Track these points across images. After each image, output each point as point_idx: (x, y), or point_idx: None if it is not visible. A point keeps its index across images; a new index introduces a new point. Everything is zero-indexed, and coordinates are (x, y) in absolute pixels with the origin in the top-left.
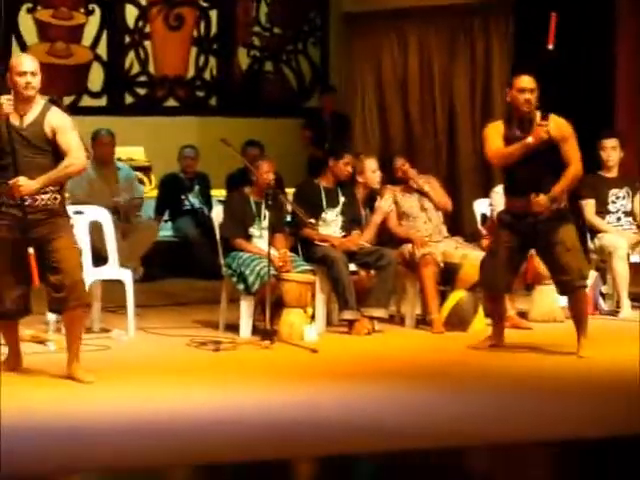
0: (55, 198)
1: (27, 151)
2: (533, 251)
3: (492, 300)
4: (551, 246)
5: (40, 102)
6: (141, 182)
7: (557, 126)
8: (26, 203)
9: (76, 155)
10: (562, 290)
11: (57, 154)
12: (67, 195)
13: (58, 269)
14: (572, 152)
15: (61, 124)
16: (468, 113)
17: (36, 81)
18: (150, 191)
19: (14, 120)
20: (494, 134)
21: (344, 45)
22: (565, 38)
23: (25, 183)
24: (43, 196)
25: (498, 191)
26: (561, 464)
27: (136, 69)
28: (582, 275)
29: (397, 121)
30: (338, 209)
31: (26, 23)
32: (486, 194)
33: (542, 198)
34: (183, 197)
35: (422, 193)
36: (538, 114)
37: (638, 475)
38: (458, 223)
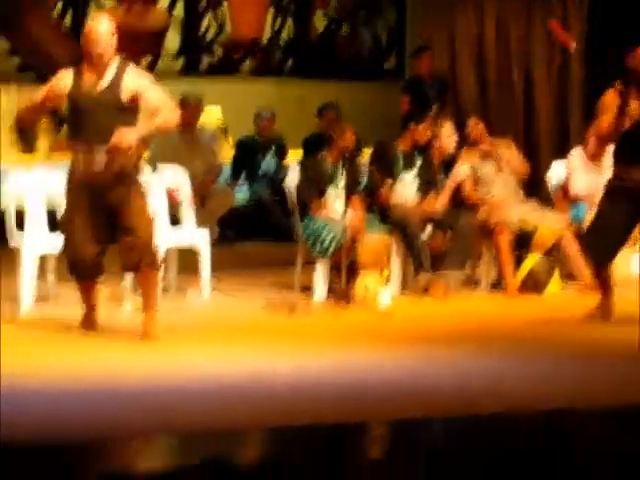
0: (129, 164)
1: (104, 115)
2: None
3: (598, 269)
4: None
5: (115, 64)
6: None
7: None
8: (98, 170)
9: (170, 108)
10: None
11: (128, 123)
12: (147, 156)
13: (131, 232)
14: None
15: (143, 84)
16: (545, 78)
17: (108, 47)
18: (228, 151)
19: (89, 83)
20: (609, 105)
21: (421, 7)
22: None
23: (123, 136)
24: (118, 160)
25: (575, 154)
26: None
27: (213, 32)
28: None
29: (472, 86)
30: (414, 172)
31: None
32: (563, 156)
33: None
34: (259, 160)
35: (498, 158)
36: None
37: None
38: (535, 187)
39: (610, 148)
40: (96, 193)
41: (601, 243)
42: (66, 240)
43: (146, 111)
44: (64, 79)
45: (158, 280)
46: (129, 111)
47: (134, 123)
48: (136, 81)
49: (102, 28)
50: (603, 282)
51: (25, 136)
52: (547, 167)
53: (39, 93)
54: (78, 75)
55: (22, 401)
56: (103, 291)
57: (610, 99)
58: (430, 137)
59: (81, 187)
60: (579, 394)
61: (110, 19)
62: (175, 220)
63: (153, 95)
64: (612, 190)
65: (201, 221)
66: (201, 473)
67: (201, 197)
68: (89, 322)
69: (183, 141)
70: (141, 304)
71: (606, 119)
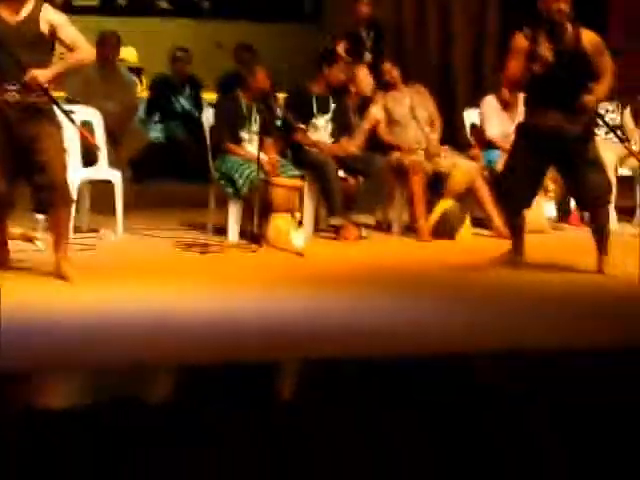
0: (42, 97)
1: (20, 48)
2: None
3: (512, 215)
4: (579, 164)
5: (31, 0)
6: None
7: (589, 40)
8: (13, 100)
9: (85, 47)
10: (585, 205)
11: (46, 55)
12: (62, 94)
13: (43, 169)
14: (606, 64)
15: (59, 20)
16: (461, 25)
17: None
18: (141, 92)
19: (5, 17)
20: (518, 50)
21: None
22: None
23: (39, 72)
24: (32, 94)
25: (489, 101)
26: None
27: None
28: (608, 190)
29: (389, 30)
30: (328, 115)
31: None
32: (477, 103)
33: (590, 98)
34: (174, 99)
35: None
36: (570, 26)
37: None
38: (449, 132)
39: (521, 95)
40: (9, 127)
41: (515, 190)
42: None
43: (61, 48)
44: None
45: (70, 219)
46: (44, 46)
47: (49, 59)
48: (52, 17)
49: None
50: (515, 229)
51: None
52: (462, 113)
53: None
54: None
55: None
56: (14, 229)
57: (519, 44)
58: (344, 80)
59: None
60: (476, 337)
61: None
62: (87, 161)
63: (69, 31)
64: (524, 135)
65: (114, 161)
66: (112, 410)
67: (114, 136)
68: (1, 257)
69: (100, 77)
70: (52, 243)
71: (515, 64)
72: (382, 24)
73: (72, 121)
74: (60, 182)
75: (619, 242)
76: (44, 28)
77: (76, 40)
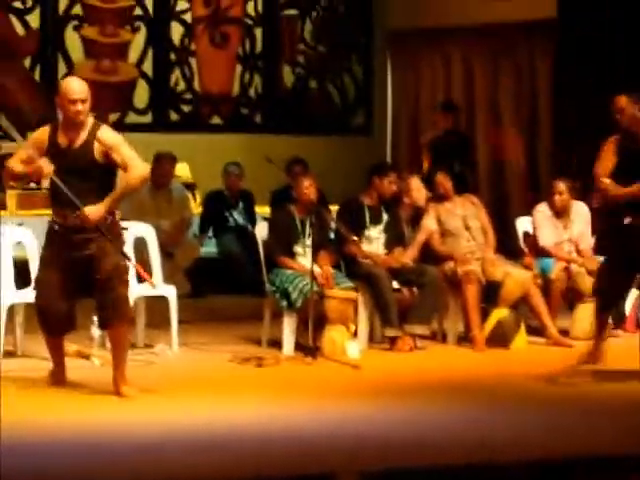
0: (105, 219)
1: (74, 175)
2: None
3: (604, 311)
4: None
5: (89, 123)
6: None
7: None
8: (74, 225)
9: (136, 164)
10: None
11: (103, 180)
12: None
13: (104, 287)
14: None
15: (113, 140)
16: (514, 130)
17: (85, 107)
18: (195, 208)
19: (64, 144)
20: (608, 151)
21: (389, 63)
22: None
23: (91, 211)
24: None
25: (541, 209)
26: None
27: (181, 86)
28: None
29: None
30: (381, 227)
31: (72, 40)
32: (529, 212)
33: None
34: (227, 214)
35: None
36: None
37: None
38: (502, 241)
39: (574, 202)
40: (72, 247)
41: (608, 286)
42: (38, 295)
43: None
44: (43, 135)
45: (129, 335)
46: (103, 169)
47: (110, 180)
48: (107, 138)
49: (80, 89)
50: (601, 328)
51: None
52: (515, 222)
53: (27, 146)
54: (54, 133)
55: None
56: (70, 346)
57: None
58: (397, 191)
59: (57, 243)
60: (543, 446)
61: (83, 82)
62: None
63: (123, 151)
64: (617, 234)
65: (168, 275)
66: None
67: (168, 252)
68: (57, 378)
69: (153, 196)
70: (112, 360)
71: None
72: (465, 133)
73: (127, 258)
74: (121, 298)
75: None
76: (97, 152)
77: (129, 159)
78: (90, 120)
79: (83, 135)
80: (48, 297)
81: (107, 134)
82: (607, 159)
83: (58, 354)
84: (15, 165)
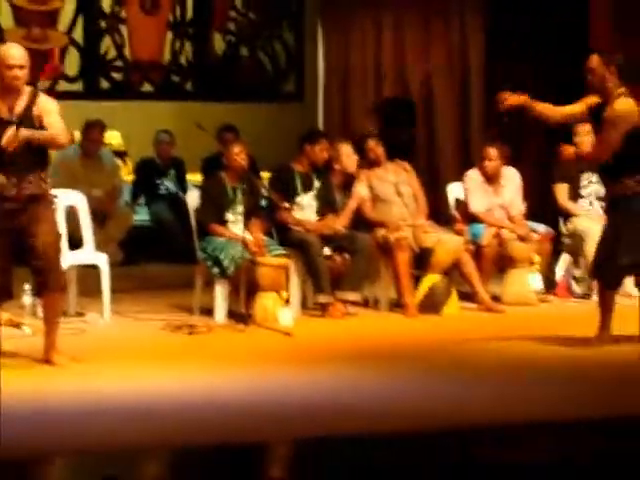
0: (40, 186)
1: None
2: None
3: (606, 288)
4: None
5: (27, 90)
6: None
7: None
8: (11, 194)
9: (64, 135)
10: None
11: (41, 146)
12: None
13: (38, 254)
14: None
15: (48, 107)
16: (445, 99)
17: (24, 73)
18: (126, 175)
19: (3, 113)
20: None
21: (320, 30)
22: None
23: (22, 131)
24: (29, 185)
25: (472, 175)
26: (528, 444)
27: (112, 54)
28: None
29: (365, 106)
30: (313, 193)
31: (2, 8)
32: (460, 178)
33: None
34: (159, 182)
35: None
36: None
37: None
38: (434, 207)
39: (505, 168)
40: (6, 218)
41: (609, 262)
42: None
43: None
44: None
45: (62, 303)
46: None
47: (43, 149)
48: (44, 104)
49: (19, 55)
50: (606, 303)
51: None
52: (446, 188)
53: None
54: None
55: None
56: (1, 315)
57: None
58: (328, 158)
59: None
60: (464, 413)
61: (21, 48)
62: (73, 244)
63: (51, 120)
64: (613, 208)
65: (101, 244)
66: None
67: (100, 219)
68: None
69: (84, 165)
70: (43, 328)
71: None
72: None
73: None
74: (54, 266)
75: None
76: (36, 117)
77: (57, 127)
78: (27, 88)
79: (22, 102)
80: None
81: (45, 99)
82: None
83: None
84: None
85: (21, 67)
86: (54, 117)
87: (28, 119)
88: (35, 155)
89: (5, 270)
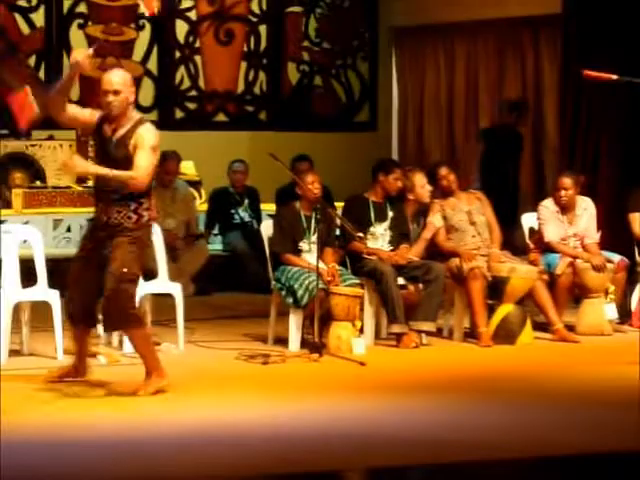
0: (129, 217)
1: (110, 166)
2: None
3: None
4: None
5: (133, 117)
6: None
7: None
8: (100, 222)
9: (141, 174)
10: None
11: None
12: None
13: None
14: None
15: (140, 141)
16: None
17: (117, 98)
18: (200, 205)
19: (106, 132)
20: None
21: (394, 59)
22: None
23: (79, 162)
24: (116, 215)
25: (546, 205)
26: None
27: (186, 84)
28: None
29: (438, 138)
30: (387, 223)
31: (77, 39)
32: (534, 208)
33: None
34: (233, 211)
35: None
36: None
37: None
38: (507, 237)
39: (579, 198)
40: (96, 242)
41: None
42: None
43: None
44: (94, 117)
45: (144, 336)
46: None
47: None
48: (139, 137)
49: (115, 80)
50: None
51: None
52: (520, 218)
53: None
54: (103, 120)
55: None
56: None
57: None
58: (401, 188)
59: (90, 237)
60: (548, 442)
61: (122, 73)
62: (147, 275)
63: (139, 154)
64: None
65: (174, 274)
66: None
67: (174, 252)
68: (78, 371)
69: (160, 195)
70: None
71: None
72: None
73: None
74: (125, 303)
75: None
76: (132, 148)
77: (138, 164)
78: (136, 115)
79: (124, 129)
80: (77, 290)
81: (143, 132)
82: None
83: (83, 348)
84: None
85: (115, 92)
86: (141, 154)
87: (121, 146)
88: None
89: (92, 296)
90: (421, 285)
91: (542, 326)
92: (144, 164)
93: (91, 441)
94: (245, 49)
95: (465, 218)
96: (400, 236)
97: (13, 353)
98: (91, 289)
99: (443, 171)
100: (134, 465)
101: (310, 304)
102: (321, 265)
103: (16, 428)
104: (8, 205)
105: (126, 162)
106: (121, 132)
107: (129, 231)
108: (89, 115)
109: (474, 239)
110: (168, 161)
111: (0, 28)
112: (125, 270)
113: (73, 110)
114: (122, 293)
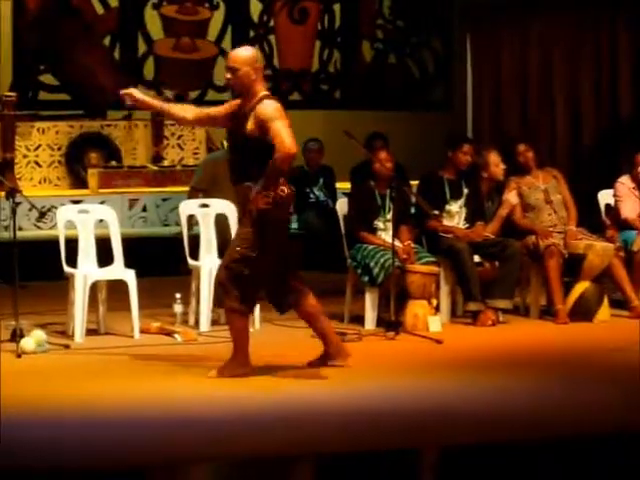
0: (282, 190)
1: (235, 148)
2: None
3: None
4: None
5: (258, 94)
6: None
7: None
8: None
9: (280, 141)
10: None
11: (258, 156)
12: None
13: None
14: None
15: (266, 114)
16: (593, 108)
17: (237, 77)
18: None
19: (234, 114)
20: None
21: (469, 37)
22: None
23: (252, 195)
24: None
25: (623, 181)
26: None
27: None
28: None
29: (514, 116)
30: (462, 201)
31: (152, 19)
32: (610, 185)
33: None
34: (308, 190)
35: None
36: None
37: None
38: (582, 214)
39: None
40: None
41: None
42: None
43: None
44: (232, 108)
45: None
46: (256, 144)
47: (259, 158)
48: (262, 113)
49: (233, 57)
50: None
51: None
52: (596, 195)
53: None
54: (237, 108)
55: (82, 430)
56: (152, 324)
57: None
58: (476, 165)
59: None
60: (625, 420)
61: (240, 52)
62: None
63: (273, 127)
64: None
65: None
66: None
67: None
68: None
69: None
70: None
71: None
72: None
73: None
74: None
75: None
76: (252, 126)
77: (275, 135)
78: (262, 93)
79: (246, 107)
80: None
81: (263, 108)
82: None
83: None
84: None
85: (231, 70)
86: (273, 125)
87: (241, 126)
88: (253, 162)
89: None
90: (497, 262)
91: (619, 303)
92: (284, 132)
93: (165, 415)
94: (319, 27)
95: (541, 196)
96: (475, 213)
97: (90, 332)
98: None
99: (521, 147)
100: (207, 441)
101: (386, 282)
102: (397, 243)
103: (95, 404)
104: (84, 185)
105: (244, 142)
106: (243, 110)
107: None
108: (225, 108)
109: (550, 217)
110: None
111: (75, 9)
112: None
113: (199, 114)
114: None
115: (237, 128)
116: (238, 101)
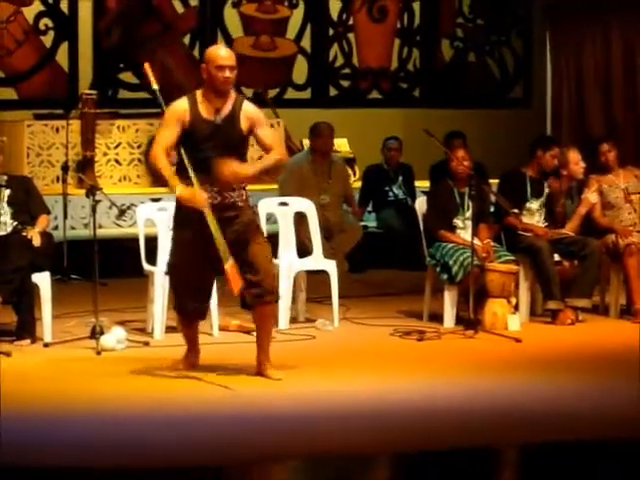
0: (241, 195)
1: (221, 147)
2: None
3: None
4: None
5: (233, 95)
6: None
7: None
8: (215, 202)
9: (282, 151)
10: None
11: (244, 153)
12: (277, 186)
13: (252, 266)
14: None
15: (258, 117)
16: None
17: (234, 75)
18: (354, 183)
19: (208, 115)
20: None
21: (548, 35)
22: None
23: (240, 169)
24: (232, 193)
25: None
26: None
27: (340, 61)
28: None
29: (597, 114)
30: (542, 199)
31: (231, 17)
32: None
33: None
34: (387, 188)
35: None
36: None
37: None
38: None
39: None
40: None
41: None
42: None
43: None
44: (182, 106)
45: (276, 314)
46: (245, 142)
47: (245, 155)
48: (254, 114)
49: (229, 55)
50: None
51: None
52: None
53: (167, 124)
54: (194, 104)
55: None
56: (232, 321)
57: None
58: (557, 164)
59: (196, 220)
60: None
61: (230, 51)
62: (302, 252)
63: (265, 132)
64: None
65: (329, 253)
66: None
67: (329, 229)
68: (190, 362)
69: (314, 170)
70: (257, 341)
71: None
72: None
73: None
74: (269, 277)
75: None
76: (244, 126)
77: (274, 141)
78: (233, 93)
79: (228, 106)
80: (186, 281)
81: (252, 108)
82: None
83: (193, 336)
84: (164, 168)
85: (231, 68)
86: (268, 130)
87: (231, 124)
88: (241, 158)
89: (206, 291)
90: (576, 261)
91: None
92: (277, 139)
93: (241, 413)
94: (399, 26)
95: (621, 195)
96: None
97: (169, 329)
98: (202, 285)
99: (605, 147)
100: (294, 438)
101: (465, 280)
102: (476, 241)
103: (171, 401)
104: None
105: (236, 140)
106: (227, 109)
107: (246, 211)
108: (174, 115)
109: (630, 216)
110: (320, 131)
111: (155, 8)
112: (267, 246)
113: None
114: (272, 271)
115: (225, 129)
116: (180, 108)
